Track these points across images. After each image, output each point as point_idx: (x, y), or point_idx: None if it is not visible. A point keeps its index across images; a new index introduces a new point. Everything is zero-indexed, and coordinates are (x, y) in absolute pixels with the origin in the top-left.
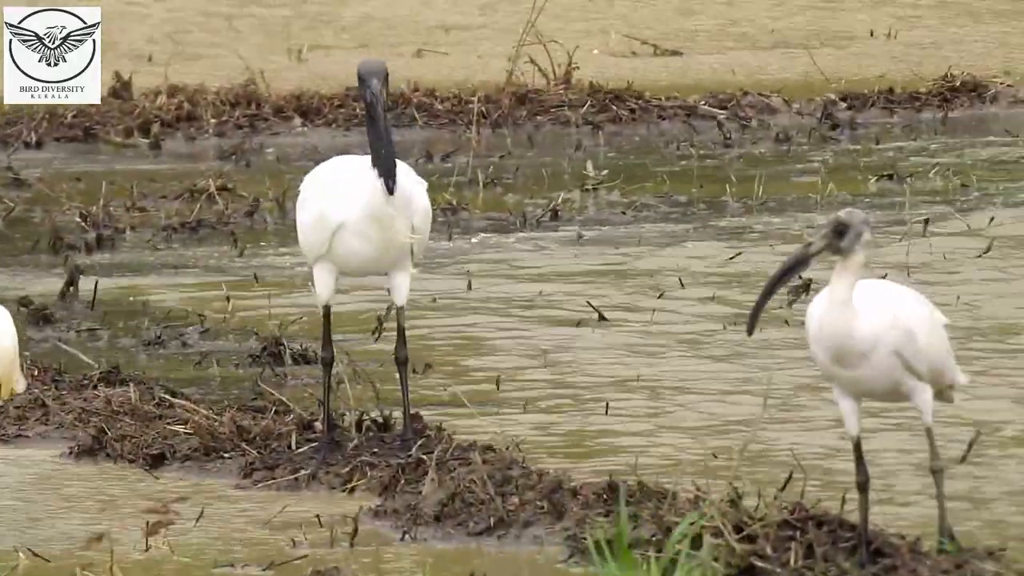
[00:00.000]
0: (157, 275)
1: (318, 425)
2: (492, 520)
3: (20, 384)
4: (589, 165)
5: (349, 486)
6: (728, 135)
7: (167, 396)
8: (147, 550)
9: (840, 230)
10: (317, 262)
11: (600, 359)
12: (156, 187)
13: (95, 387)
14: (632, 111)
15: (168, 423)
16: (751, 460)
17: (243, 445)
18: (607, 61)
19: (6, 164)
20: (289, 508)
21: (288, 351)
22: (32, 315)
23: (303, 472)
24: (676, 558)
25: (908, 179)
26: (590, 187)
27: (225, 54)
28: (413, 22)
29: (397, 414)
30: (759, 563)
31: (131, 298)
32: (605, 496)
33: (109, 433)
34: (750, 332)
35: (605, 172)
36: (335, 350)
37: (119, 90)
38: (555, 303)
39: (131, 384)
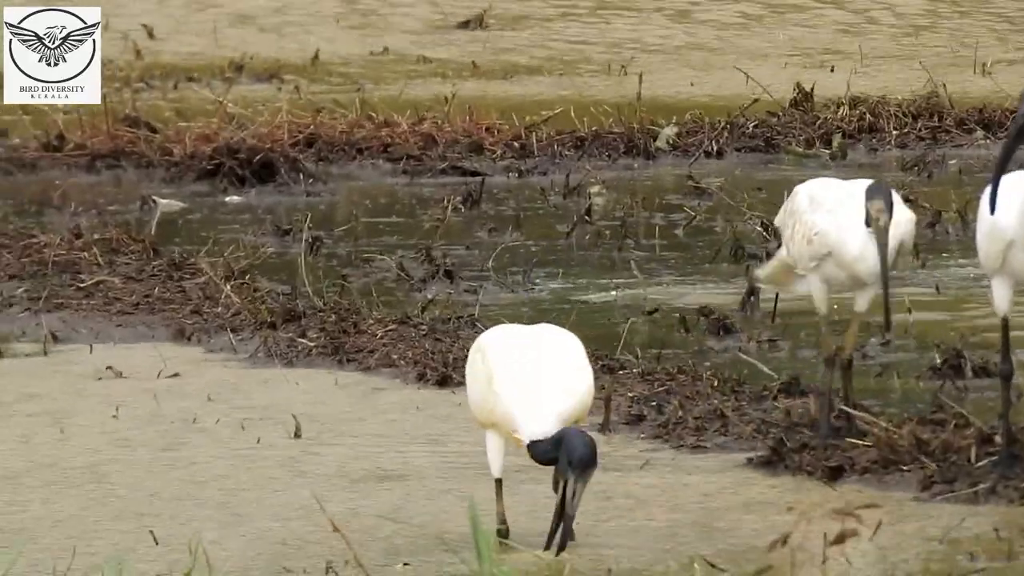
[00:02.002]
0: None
1: (998, 439)
2: None
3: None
4: None
5: None
6: None
7: (847, 408)
8: (824, 562)
9: None
10: (995, 274)
11: None
12: None
13: (775, 398)
14: None
15: (847, 435)
16: None
17: (922, 458)
18: None
19: (687, 173)
20: (967, 522)
21: (969, 363)
22: (712, 325)
23: (982, 486)
24: None
25: None
26: None
27: (908, 64)
28: None
29: None
30: None
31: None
32: None
33: (788, 445)
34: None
35: None
36: (1015, 362)
37: (800, 100)
38: None
39: (811, 396)
